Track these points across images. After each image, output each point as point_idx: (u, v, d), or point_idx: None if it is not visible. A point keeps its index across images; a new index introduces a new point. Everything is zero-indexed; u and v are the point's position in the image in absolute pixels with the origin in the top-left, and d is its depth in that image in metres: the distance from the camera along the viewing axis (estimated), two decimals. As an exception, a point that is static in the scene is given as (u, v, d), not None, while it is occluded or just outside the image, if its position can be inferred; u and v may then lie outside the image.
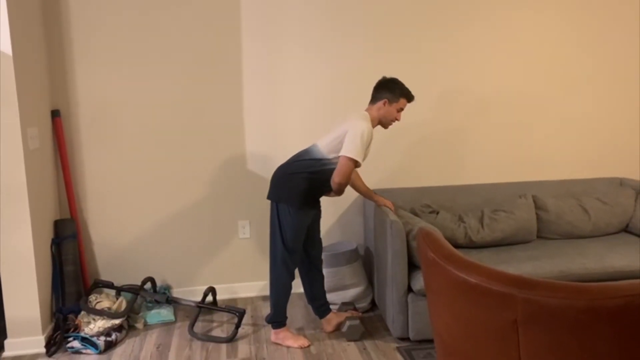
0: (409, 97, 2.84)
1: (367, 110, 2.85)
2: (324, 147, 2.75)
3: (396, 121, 2.86)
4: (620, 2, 3.69)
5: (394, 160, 3.61)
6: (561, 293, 1.24)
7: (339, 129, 2.74)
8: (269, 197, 2.84)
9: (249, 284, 3.59)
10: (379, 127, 2.87)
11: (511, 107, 3.69)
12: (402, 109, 2.84)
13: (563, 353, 1.26)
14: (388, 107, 2.80)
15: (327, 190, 2.82)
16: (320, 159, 2.74)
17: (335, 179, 2.67)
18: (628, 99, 3.82)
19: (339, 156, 2.68)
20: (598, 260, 2.96)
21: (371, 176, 3.56)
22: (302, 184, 2.75)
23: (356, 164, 2.68)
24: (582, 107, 3.78)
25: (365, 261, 3.49)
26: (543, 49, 3.66)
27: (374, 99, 2.85)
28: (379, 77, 2.85)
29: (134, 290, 3.22)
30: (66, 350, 2.88)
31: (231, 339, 2.98)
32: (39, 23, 3.08)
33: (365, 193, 3.14)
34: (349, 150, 2.64)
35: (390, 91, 2.80)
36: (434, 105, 3.60)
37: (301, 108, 3.48)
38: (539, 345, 1.29)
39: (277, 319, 2.91)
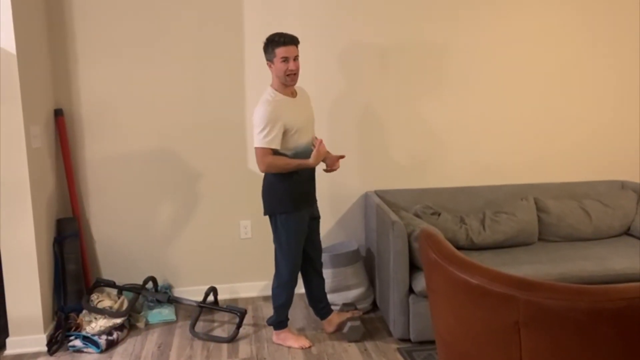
0: (279, 40, 2.62)
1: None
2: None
3: (292, 72, 2.65)
4: (622, 3, 3.69)
5: (395, 162, 3.61)
6: (563, 295, 1.24)
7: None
8: (265, 214, 2.83)
9: (250, 284, 3.59)
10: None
11: (513, 109, 3.69)
12: (286, 57, 2.63)
13: (564, 355, 1.27)
14: (273, 66, 2.69)
15: (308, 178, 2.81)
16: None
17: (259, 168, 2.69)
18: (630, 102, 3.82)
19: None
20: (599, 263, 2.96)
21: (373, 177, 3.57)
22: (282, 186, 2.74)
23: (268, 149, 2.64)
24: (584, 110, 3.77)
25: (367, 262, 3.49)
26: (545, 51, 3.66)
27: None
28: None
29: (136, 290, 3.22)
30: (68, 349, 2.89)
31: (232, 339, 2.98)
32: (42, 22, 3.09)
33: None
34: (255, 141, 2.66)
35: (265, 52, 2.71)
36: (436, 108, 3.61)
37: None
38: (540, 346, 1.30)
39: (279, 322, 2.92)
